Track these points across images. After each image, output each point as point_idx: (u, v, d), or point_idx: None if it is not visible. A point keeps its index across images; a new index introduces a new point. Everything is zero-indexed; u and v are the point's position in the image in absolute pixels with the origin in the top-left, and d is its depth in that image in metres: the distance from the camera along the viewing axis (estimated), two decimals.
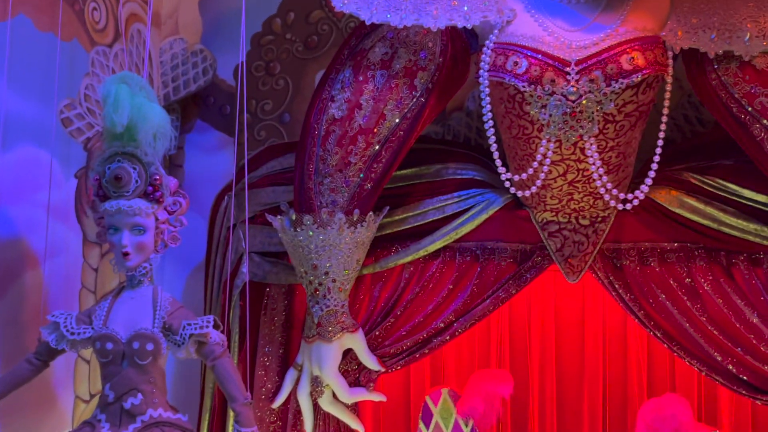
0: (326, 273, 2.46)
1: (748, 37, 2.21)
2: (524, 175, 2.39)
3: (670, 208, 2.44)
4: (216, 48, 3.15)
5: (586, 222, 2.51)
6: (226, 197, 2.82)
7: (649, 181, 2.34)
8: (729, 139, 2.36)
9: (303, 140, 2.57)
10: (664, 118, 2.32)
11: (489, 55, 2.36)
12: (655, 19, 2.30)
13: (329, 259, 2.45)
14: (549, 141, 2.33)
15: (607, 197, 2.34)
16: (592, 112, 2.27)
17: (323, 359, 2.46)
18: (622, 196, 2.36)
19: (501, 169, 2.41)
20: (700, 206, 2.44)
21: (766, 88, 2.22)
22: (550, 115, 2.30)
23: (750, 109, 2.24)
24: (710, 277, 2.44)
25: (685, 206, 2.44)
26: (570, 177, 2.40)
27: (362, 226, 2.47)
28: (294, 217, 2.49)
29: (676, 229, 2.47)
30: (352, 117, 2.47)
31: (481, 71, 2.39)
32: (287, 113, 3.14)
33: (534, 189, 2.38)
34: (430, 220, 2.60)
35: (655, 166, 2.33)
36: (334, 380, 2.48)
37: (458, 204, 2.60)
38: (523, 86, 2.29)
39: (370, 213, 2.50)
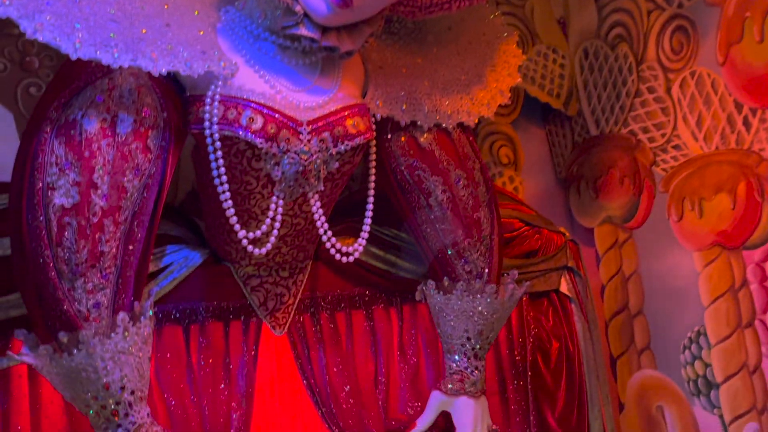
0: (122, 387, 2.01)
1: (426, 110, 2.53)
2: (258, 233, 2.30)
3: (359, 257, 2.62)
4: None
5: (285, 274, 2.52)
6: None
7: (365, 235, 2.47)
8: (384, 196, 2.61)
9: (24, 247, 2.03)
10: (373, 177, 2.49)
11: (217, 107, 2.19)
12: (358, 87, 2.43)
13: (122, 369, 2.00)
14: (279, 198, 2.30)
15: (333, 251, 2.39)
16: (319, 171, 2.32)
17: None
18: (344, 249, 2.45)
19: (237, 227, 2.26)
20: (381, 253, 2.68)
21: (424, 163, 2.54)
22: (283, 173, 2.26)
23: (409, 179, 2.55)
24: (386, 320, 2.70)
25: (368, 253, 2.65)
26: (283, 231, 2.40)
27: (145, 317, 2.08)
28: (66, 340, 1.98)
29: (361, 276, 2.67)
30: (89, 201, 2.04)
31: (207, 123, 2.20)
32: None
33: (269, 246, 2.31)
34: None
35: (368, 221, 2.47)
36: None
37: (154, 263, 2.35)
38: (261, 143, 2.21)
39: (148, 301, 2.12)
